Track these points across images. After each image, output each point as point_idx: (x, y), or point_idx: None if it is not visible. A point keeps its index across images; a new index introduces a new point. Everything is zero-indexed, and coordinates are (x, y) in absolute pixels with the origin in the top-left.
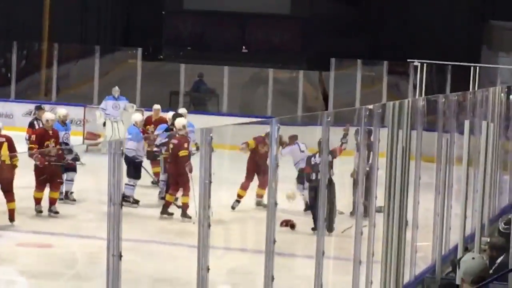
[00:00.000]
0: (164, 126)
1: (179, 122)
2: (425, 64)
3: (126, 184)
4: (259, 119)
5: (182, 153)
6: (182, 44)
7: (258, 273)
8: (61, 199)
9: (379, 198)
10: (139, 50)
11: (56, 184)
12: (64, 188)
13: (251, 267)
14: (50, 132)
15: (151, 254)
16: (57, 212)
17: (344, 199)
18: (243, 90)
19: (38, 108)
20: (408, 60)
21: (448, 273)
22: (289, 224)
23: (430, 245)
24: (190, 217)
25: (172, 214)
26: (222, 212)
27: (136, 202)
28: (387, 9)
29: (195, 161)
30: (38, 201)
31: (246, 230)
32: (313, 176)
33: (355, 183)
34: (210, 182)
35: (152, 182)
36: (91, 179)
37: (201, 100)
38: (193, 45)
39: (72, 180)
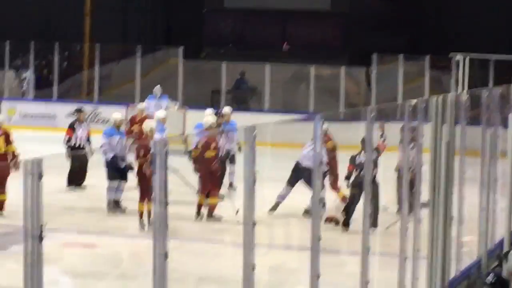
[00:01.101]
0: (200, 124)
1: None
2: (467, 58)
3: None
4: (302, 116)
5: (208, 153)
6: (223, 42)
7: (303, 271)
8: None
9: (424, 193)
10: (180, 49)
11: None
12: (112, 196)
13: (296, 265)
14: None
15: (196, 253)
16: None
17: (388, 194)
18: (285, 87)
19: (78, 111)
20: (450, 54)
21: (494, 267)
22: (334, 220)
23: (476, 239)
24: (219, 218)
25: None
26: (266, 210)
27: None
28: (428, 2)
29: (239, 160)
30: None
31: (290, 227)
32: (357, 174)
33: (399, 178)
34: (254, 180)
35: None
36: (135, 178)
37: (243, 98)
38: (234, 43)
39: (121, 190)
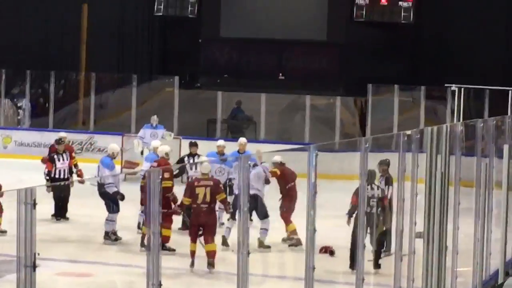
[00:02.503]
0: (213, 153)
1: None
2: (462, 89)
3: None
4: (297, 146)
5: (219, 196)
6: (219, 71)
7: None
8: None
9: (419, 223)
10: (176, 78)
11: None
12: (111, 228)
13: None
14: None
15: (190, 283)
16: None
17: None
18: (281, 117)
19: (58, 142)
20: (445, 84)
21: None
22: (328, 251)
23: (471, 270)
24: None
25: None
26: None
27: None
28: (423, 33)
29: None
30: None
31: (284, 257)
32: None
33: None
34: (249, 209)
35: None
36: (131, 207)
37: (239, 128)
38: (230, 73)
39: (114, 221)
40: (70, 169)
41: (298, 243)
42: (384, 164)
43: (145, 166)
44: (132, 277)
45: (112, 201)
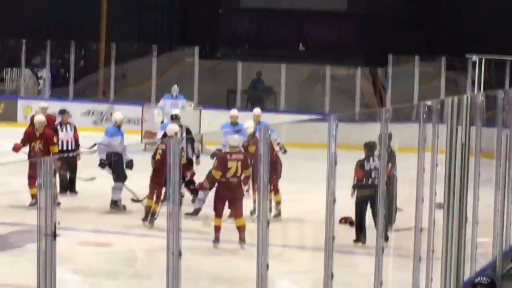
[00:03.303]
0: (227, 124)
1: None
2: (483, 59)
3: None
4: (317, 116)
5: (246, 172)
6: (239, 42)
7: (317, 271)
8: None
9: (439, 194)
10: (196, 49)
11: None
12: (118, 196)
13: (311, 265)
14: (37, 134)
15: (210, 252)
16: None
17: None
18: (301, 87)
19: (62, 113)
20: (466, 55)
21: (509, 269)
22: (348, 221)
23: (491, 241)
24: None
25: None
26: (282, 209)
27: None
28: (444, 3)
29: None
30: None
31: (305, 227)
32: (366, 182)
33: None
34: (269, 179)
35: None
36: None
37: (259, 98)
38: (250, 43)
39: (120, 189)
40: (76, 142)
41: (279, 213)
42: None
43: (159, 134)
44: (152, 246)
45: (116, 168)
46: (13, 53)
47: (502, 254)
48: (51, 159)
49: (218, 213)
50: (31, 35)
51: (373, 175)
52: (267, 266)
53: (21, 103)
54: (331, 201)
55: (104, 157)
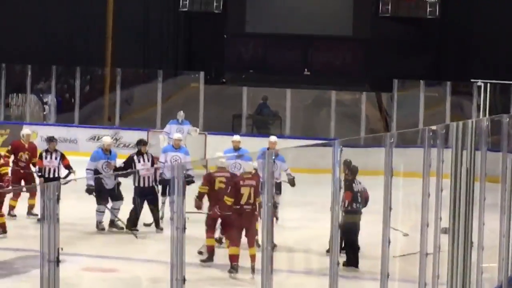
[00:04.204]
0: (230, 150)
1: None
2: (488, 84)
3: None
4: (322, 141)
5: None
6: (244, 67)
7: None
8: (102, 229)
9: (444, 219)
10: (202, 74)
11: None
12: (100, 218)
13: None
14: (26, 145)
15: (214, 278)
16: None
17: (411, 221)
18: (306, 112)
19: (50, 140)
20: (471, 80)
21: None
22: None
23: (496, 266)
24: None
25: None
26: (286, 234)
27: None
28: (449, 28)
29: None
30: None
31: (310, 252)
32: (354, 206)
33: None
34: (274, 205)
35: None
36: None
37: (264, 123)
38: (255, 68)
39: (118, 209)
40: (67, 167)
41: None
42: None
43: (161, 158)
44: (157, 272)
45: (102, 193)
46: (19, 79)
47: (508, 279)
48: (52, 185)
49: (233, 241)
50: (37, 60)
51: (359, 198)
52: None
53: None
54: (335, 226)
55: (92, 182)
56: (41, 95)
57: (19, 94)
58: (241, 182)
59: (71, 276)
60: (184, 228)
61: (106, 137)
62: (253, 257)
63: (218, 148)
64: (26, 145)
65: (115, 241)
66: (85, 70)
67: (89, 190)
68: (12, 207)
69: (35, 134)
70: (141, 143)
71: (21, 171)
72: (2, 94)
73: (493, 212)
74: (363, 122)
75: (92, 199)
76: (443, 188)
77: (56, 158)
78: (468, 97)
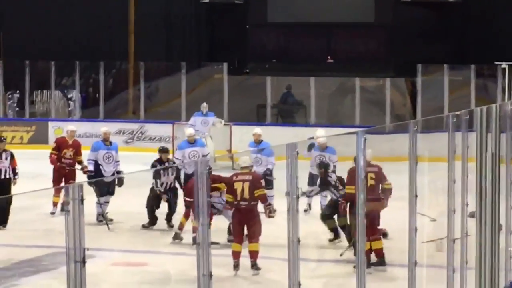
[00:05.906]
0: (252, 143)
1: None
2: None
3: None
4: (346, 131)
5: (257, 192)
6: (267, 57)
7: (351, 285)
8: (100, 220)
9: (471, 204)
10: (225, 65)
11: None
12: (100, 210)
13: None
14: (70, 142)
15: (243, 269)
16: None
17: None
18: (330, 100)
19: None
20: (495, 62)
21: None
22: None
23: None
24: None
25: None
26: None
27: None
28: (472, 11)
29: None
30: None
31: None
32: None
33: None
34: (298, 196)
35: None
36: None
37: (289, 112)
38: (278, 58)
39: (108, 202)
40: (13, 170)
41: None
42: (322, 167)
43: (178, 154)
44: (185, 265)
45: (102, 184)
46: (43, 76)
47: None
48: (76, 185)
49: (235, 238)
50: (60, 56)
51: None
52: (299, 284)
53: (52, 125)
54: (361, 214)
55: (92, 168)
56: (65, 91)
57: (44, 91)
58: (234, 178)
59: (100, 272)
60: (210, 224)
61: (104, 127)
62: (252, 253)
63: (244, 139)
64: (70, 142)
65: (143, 235)
66: (109, 65)
67: (89, 183)
68: (55, 204)
69: (61, 130)
70: (162, 150)
71: (66, 168)
72: (27, 91)
73: None
74: (388, 107)
75: (120, 192)
76: (468, 172)
77: (6, 158)
78: (492, 79)
